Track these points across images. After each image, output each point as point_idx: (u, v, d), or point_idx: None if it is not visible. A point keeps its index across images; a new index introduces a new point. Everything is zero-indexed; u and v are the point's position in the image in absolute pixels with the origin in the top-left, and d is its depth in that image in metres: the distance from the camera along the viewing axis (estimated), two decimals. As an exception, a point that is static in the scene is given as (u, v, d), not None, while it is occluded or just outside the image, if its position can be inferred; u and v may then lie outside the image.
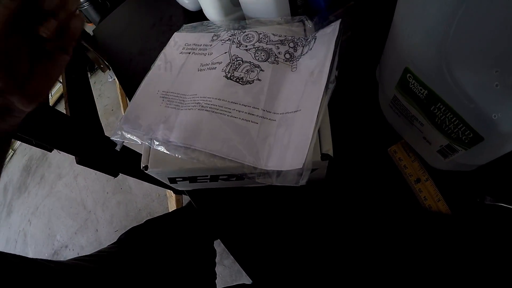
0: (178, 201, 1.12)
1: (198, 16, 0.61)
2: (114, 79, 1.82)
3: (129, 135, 0.40)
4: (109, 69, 2.10)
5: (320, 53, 0.37)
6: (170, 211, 1.18)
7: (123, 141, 0.42)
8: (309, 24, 0.43)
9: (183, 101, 0.40)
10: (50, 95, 2.38)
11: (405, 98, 0.35)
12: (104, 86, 2.09)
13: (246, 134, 0.35)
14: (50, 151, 0.74)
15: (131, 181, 1.53)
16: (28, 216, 1.88)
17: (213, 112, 0.36)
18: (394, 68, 0.35)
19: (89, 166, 0.78)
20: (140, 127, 0.39)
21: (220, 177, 0.38)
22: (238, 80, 0.38)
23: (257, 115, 0.36)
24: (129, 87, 0.62)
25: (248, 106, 0.36)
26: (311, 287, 0.36)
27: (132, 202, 1.50)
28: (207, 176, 0.38)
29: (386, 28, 0.35)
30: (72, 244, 1.57)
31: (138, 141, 0.39)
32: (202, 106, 0.37)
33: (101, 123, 0.88)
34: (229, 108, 0.36)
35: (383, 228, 0.37)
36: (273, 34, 0.42)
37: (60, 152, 0.74)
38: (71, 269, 0.44)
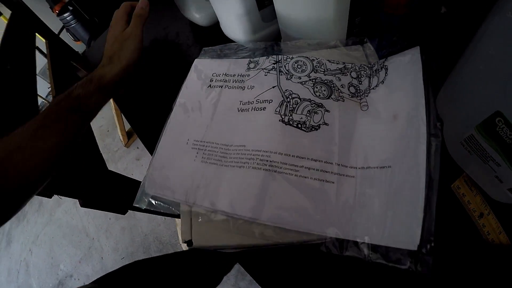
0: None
1: (211, 32, 0.50)
2: (108, 98, 1.68)
3: (159, 203, 0.29)
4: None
5: (399, 89, 0.28)
6: (180, 235, 1.07)
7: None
8: (370, 47, 0.33)
9: (226, 154, 0.29)
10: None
11: (486, 139, 0.28)
12: (98, 106, 1.94)
13: (322, 198, 0.25)
14: (50, 197, 0.62)
15: (135, 205, 1.41)
16: (29, 245, 1.73)
17: (274, 171, 0.26)
18: (478, 107, 0.28)
19: (95, 208, 0.67)
20: (173, 191, 0.29)
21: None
22: (299, 125, 0.28)
23: (332, 172, 0.26)
24: (133, 115, 0.53)
25: (319, 161, 0.26)
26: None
27: (137, 227, 1.37)
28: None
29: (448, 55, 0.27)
30: (77, 274, 1.44)
31: (175, 212, 0.29)
32: (258, 164, 0.27)
33: (103, 157, 0.77)
34: (295, 166, 0.26)
35: (448, 266, 0.30)
36: (328, 60, 0.32)
37: (61, 197, 0.63)
38: None
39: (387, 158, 0.25)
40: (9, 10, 0.75)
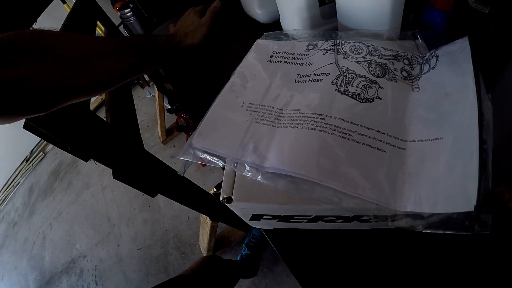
0: (212, 228, 0.95)
1: (270, 29, 0.52)
2: (153, 95, 1.74)
3: (205, 156, 0.30)
4: (148, 86, 2.05)
5: (450, 72, 0.28)
6: (201, 237, 1.04)
7: (190, 164, 0.32)
8: (421, 40, 0.34)
9: (280, 116, 0.30)
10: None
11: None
12: (142, 102, 2.03)
13: (372, 164, 0.24)
14: (86, 161, 0.63)
15: (161, 200, 1.40)
16: (50, 220, 1.77)
17: (328, 133, 0.26)
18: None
19: (126, 182, 0.67)
20: (220, 145, 0.30)
21: (325, 218, 0.27)
22: (354, 96, 0.28)
23: (383, 141, 0.26)
24: (189, 106, 0.54)
25: (372, 130, 0.26)
26: None
27: (159, 221, 1.36)
28: (309, 216, 0.27)
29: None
30: (91, 256, 1.45)
31: (219, 164, 0.29)
32: (312, 125, 0.27)
33: (141, 136, 0.79)
34: (349, 130, 0.26)
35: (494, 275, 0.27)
36: (383, 48, 0.33)
37: (97, 163, 0.64)
38: None
39: (438, 130, 0.25)
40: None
